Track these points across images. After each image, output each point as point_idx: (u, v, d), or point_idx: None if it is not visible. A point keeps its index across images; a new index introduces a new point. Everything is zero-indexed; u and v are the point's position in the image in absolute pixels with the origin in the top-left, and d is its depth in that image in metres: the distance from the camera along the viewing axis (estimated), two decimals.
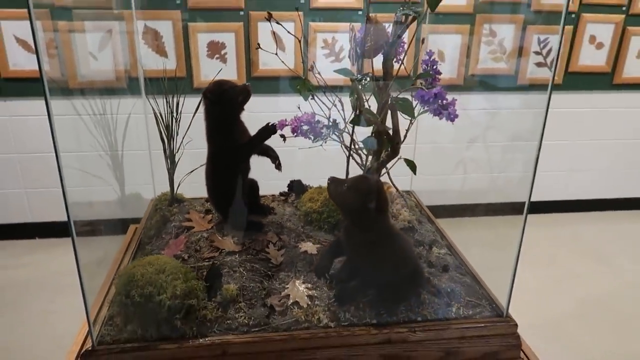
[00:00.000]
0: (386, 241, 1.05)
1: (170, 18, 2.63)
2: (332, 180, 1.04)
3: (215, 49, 2.72)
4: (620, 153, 3.32)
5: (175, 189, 1.50)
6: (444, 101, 0.97)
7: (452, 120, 0.97)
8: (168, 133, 1.39)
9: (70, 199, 1.06)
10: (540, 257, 2.81)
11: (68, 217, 0.93)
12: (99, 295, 1.27)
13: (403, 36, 1.14)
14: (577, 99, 3.14)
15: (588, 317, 2.36)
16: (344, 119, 1.25)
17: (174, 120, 1.39)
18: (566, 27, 2.86)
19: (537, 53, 2.90)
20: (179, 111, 1.39)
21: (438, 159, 2.54)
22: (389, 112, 1.15)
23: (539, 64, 2.90)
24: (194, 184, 1.58)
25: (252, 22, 2.68)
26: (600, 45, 2.97)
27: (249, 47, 2.73)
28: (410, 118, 1.09)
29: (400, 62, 1.17)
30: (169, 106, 1.38)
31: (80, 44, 2.65)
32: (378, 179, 1.05)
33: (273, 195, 1.58)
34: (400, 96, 1.10)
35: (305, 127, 1.10)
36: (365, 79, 1.09)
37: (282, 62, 1.38)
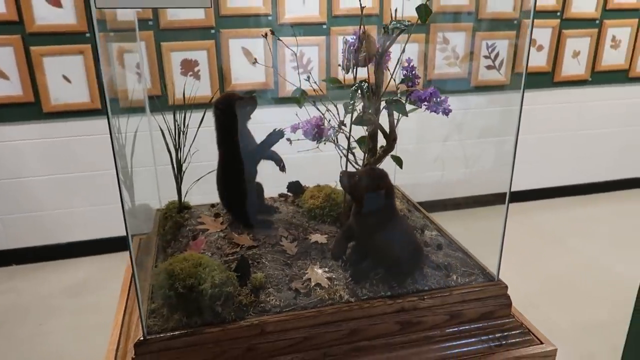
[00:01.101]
0: (393, 223, 1.21)
1: (144, 39, 2.72)
2: (344, 174, 1.20)
3: (189, 67, 2.83)
4: (564, 144, 3.66)
5: (183, 197, 1.60)
6: (439, 99, 1.14)
7: (447, 114, 1.15)
8: (176, 144, 1.50)
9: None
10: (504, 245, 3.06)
11: (126, 229, 1.03)
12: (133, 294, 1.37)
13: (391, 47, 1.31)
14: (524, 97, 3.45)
15: (551, 294, 2.61)
16: (340, 122, 1.40)
17: (180, 132, 1.50)
18: (511, 32, 3.16)
19: (486, 57, 3.17)
20: (186, 124, 1.51)
21: (411, 159, 2.74)
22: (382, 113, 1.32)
23: (489, 67, 3.18)
24: (196, 195, 1.69)
25: (223, 39, 2.81)
26: (540, 48, 3.29)
27: (222, 64, 2.85)
28: (404, 116, 1.26)
29: (388, 70, 1.34)
30: (175, 120, 1.50)
31: (54, 67, 2.68)
32: (384, 170, 1.21)
33: (272, 197, 1.71)
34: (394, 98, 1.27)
35: (315, 129, 1.25)
36: (363, 85, 1.25)
37: (282, 76, 1.52)
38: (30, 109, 2.72)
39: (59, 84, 2.72)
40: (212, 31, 2.80)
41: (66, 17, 2.63)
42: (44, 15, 2.60)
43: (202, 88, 2.84)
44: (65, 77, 2.72)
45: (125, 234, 1.02)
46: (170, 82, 2.81)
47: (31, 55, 2.63)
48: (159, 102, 2.69)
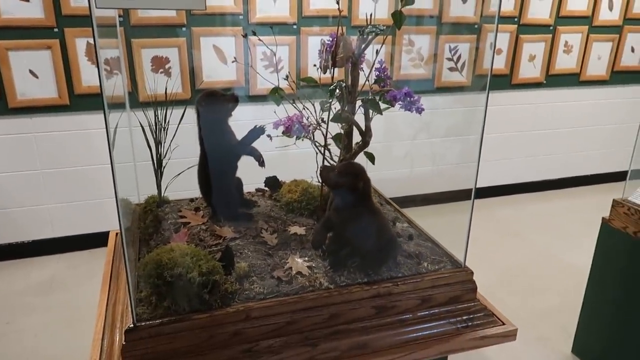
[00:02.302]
0: (369, 215, 1.30)
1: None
2: (324, 168, 1.27)
3: (160, 64, 2.84)
4: (521, 144, 3.85)
5: (163, 192, 1.64)
6: (412, 98, 1.23)
7: (420, 112, 1.24)
8: (156, 140, 1.54)
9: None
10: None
11: (120, 224, 1.07)
12: (117, 285, 1.40)
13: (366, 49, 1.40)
14: (483, 98, 3.61)
15: (510, 283, 2.77)
16: (317, 120, 1.48)
17: (161, 128, 1.54)
18: (472, 36, 3.31)
19: (449, 59, 3.32)
20: (167, 120, 1.54)
21: (380, 157, 2.85)
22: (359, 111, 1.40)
23: (451, 69, 3.32)
24: (174, 190, 1.72)
25: (195, 37, 2.83)
26: (499, 51, 3.46)
27: (193, 61, 2.88)
28: (378, 114, 1.35)
29: (363, 71, 1.43)
30: (157, 117, 1.53)
31: (20, 62, 2.64)
32: (361, 165, 1.29)
33: (249, 192, 1.77)
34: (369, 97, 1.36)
35: (296, 126, 1.32)
36: (341, 85, 1.33)
37: (260, 74, 1.57)
38: None
39: (25, 79, 2.68)
40: (183, 29, 2.82)
41: (33, 11, 2.59)
42: (10, 9, 2.56)
43: (174, 85, 2.86)
44: (32, 72, 2.68)
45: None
46: (140, 78, 2.81)
47: None
48: (130, 98, 2.69)
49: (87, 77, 2.77)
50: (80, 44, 2.70)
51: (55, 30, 2.65)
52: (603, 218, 1.98)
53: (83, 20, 2.65)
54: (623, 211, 1.88)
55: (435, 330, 1.30)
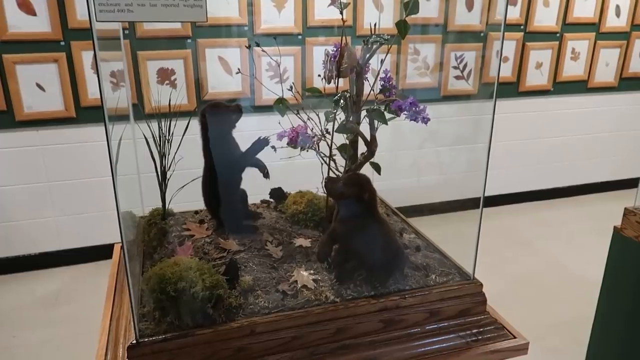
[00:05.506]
0: (376, 226, 1.28)
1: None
2: (329, 179, 1.25)
3: (165, 75, 2.85)
4: (529, 151, 3.82)
5: (167, 204, 1.62)
6: (418, 108, 1.22)
7: (426, 122, 1.23)
8: (160, 152, 1.53)
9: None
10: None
11: (122, 237, 1.05)
12: (121, 299, 1.39)
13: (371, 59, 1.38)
14: (490, 106, 3.59)
15: (519, 293, 2.73)
16: (323, 130, 1.46)
17: (165, 140, 1.53)
18: (478, 44, 3.29)
19: (455, 68, 3.30)
20: (171, 132, 1.53)
21: (386, 166, 2.83)
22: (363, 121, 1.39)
23: (457, 77, 3.30)
24: (179, 202, 1.71)
25: (200, 49, 2.84)
26: (505, 59, 3.44)
27: (198, 73, 2.88)
28: (383, 124, 1.33)
29: (367, 81, 1.41)
30: (160, 129, 1.52)
31: (27, 75, 2.66)
32: (367, 176, 1.27)
33: (254, 203, 1.75)
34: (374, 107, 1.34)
35: (300, 137, 1.30)
36: (346, 95, 1.31)
37: (265, 86, 1.56)
38: (2, 117, 2.69)
39: (32, 93, 2.70)
40: (189, 40, 2.83)
41: (40, 25, 2.61)
42: (17, 23, 2.58)
43: (179, 96, 2.86)
44: (39, 85, 2.70)
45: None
46: (146, 90, 2.82)
47: (4, 63, 2.61)
48: (135, 110, 2.70)
49: (93, 89, 2.78)
50: (86, 57, 2.72)
51: (62, 43, 2.67)
52: (615, 227, 1.94)
53: (89, 33, 2.66)
54: (635, 220, 1.84)
55: (444, 345, 1.27)
